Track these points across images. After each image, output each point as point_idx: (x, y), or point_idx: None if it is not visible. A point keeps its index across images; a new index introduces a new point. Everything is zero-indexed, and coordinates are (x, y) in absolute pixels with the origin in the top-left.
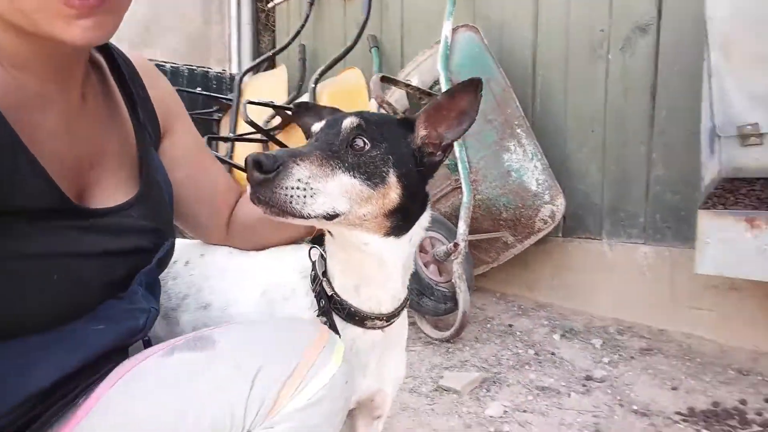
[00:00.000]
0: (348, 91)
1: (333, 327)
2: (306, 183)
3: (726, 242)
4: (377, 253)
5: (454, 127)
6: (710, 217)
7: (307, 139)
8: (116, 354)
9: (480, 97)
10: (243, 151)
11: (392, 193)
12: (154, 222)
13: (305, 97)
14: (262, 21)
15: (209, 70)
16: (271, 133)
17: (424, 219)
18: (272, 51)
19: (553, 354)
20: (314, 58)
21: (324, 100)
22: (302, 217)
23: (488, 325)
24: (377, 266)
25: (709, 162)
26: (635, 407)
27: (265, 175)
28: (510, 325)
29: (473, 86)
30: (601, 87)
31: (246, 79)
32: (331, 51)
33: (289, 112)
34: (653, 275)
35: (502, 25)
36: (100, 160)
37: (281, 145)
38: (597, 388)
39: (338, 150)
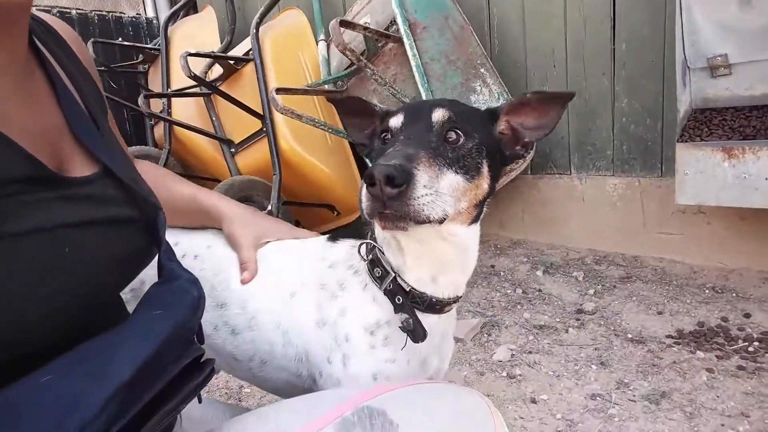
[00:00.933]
0: (292, 35)
1: (417, 323)
2: (431, 187)
3: (704, 173)
4: (463, 242)
5: (533, 128)
6: (688, 150)
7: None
8: (179, 343)
9: (564, 111)
10: (181, 107)
11: (484, 183)
12: (132, 193)
13: (246, 44)
14: None
15: (122, 15)
16: (214, 86)
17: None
18: None
19: (540, 291)
20: None
21: (267, 47)
22: (429, 222)
23: None
24: (461, 254)
25: (682, 95)
26: (630, 335)
27: (399, 188)
28: (492, 266)
29: (564, 99)
30: (559, 19)
31: (171, 25)
32: None
33: (232, 62)
34: (624, 205)
35: None
36: (64, 130)
37: (228, 98)
38: (590, 320)
39: (437, 146)
